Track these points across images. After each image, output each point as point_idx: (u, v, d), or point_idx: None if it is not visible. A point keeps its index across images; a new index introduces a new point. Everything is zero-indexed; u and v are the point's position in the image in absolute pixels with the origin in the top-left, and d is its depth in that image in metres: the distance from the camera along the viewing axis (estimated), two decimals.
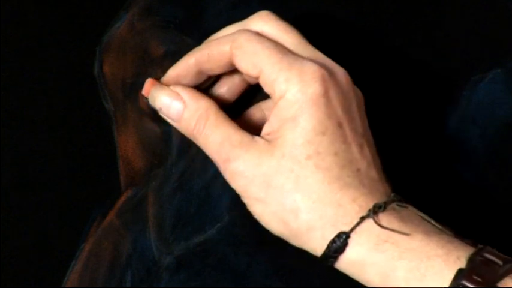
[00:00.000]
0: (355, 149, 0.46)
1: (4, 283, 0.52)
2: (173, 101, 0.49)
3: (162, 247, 0.53)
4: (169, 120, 0.50)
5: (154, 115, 0.53)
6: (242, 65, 0.47)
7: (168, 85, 0.50)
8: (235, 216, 0.53)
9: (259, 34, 0.48)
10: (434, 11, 0.57)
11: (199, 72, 0.50)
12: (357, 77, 0.53)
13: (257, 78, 0.47)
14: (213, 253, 0.53)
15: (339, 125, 0.46)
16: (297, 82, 0.45)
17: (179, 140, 0.54)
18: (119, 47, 0.54)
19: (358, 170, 0.46)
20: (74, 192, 0.53)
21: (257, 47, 0.47)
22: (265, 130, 0.47)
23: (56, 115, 0.54)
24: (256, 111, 0.51)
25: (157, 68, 0.54)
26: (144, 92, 0.51)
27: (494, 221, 0.55)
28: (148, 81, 0.51)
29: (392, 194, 0.46)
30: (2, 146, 0.53)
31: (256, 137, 0.47)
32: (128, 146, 0.54)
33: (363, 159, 0.46)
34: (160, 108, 0.50)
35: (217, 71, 0.49)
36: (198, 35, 0.54)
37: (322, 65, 0.46)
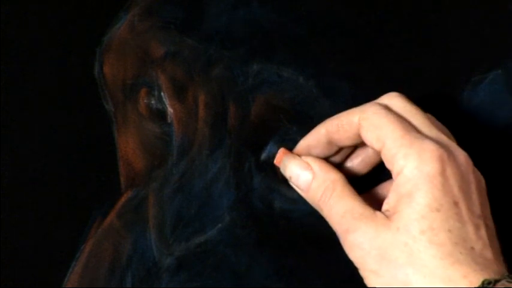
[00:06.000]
0: (470, 228, 0.46)
1: (4, 283, 0.52)
2: (303, 171, 0.51)
3: (162, 248, 0.53)
4: (297, 190, 0.51)
5: (154, 116, 0.53)
6: (367, 136, 0.49)
7: (299, 155, 0.52)
8: (235, 217, 0.53)
9: (387, 108, 0.49)
10: (434, 11, 0.57)
11: (330, 143, 0.51)
12: (357, 77, 0.53)
13: (379, 152, 0.48)
14: (214, 254, 0.53)
15: (455, 204, 0.46)
16: (414, 159, 0.46)
17: (179, 141, 0.54)
18: (119, 47, 0.54)
19: (472, 248, 0.46)
20: (74, 193, 0.53)
21: (383, 121, 0.48)
22: (384, 207, 0.48)
23: (56, 115, 0.53)
24: (379, 189, 0.53)
25: (158, 68, 0.54)
26: (276, 161, 0.53)
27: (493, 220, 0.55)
28: (281, 151, 0.53)
29: (506, 274, 0.46)
30: (2, 146, 0.53)
31: (377, 212, 0.47)
32: (128, 147, 0.54)
33: (479, 239, 0.46)
34: (290, 177, 0.51)
35: (346, 142, 0.50)
36: (198, 36, 0.54)
37: (443, 146, 0.47)
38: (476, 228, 0.46)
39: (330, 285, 0.54)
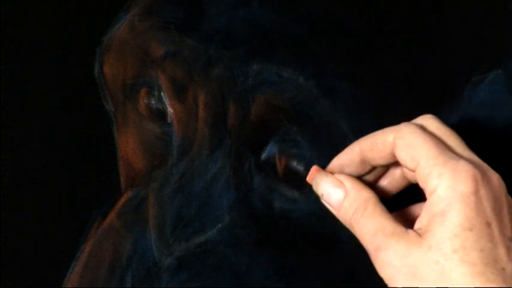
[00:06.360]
0: (501, 250, 0.46)
1: (4, 283, 0.52)
2: (335, 189, 0.51)
3: (162, 248, 0.53)
4: (329, 208, 0.51)
5: (154, 116, 0.53)
6: (402, 156, 0.49)
7: (332, 173, 0.52)
8: (235, 217, 0.53)
9: (422, 128, 0.49)
10: (434, 11, 0.57)
11: (363, 162, 0.51)
12: (357, 77, 0.53)
13: (414, 171, 0.48)
14: (214, 254, 0.53)
15: (487, 224, 0.46)
16: (448, 178, 0.46)
17: (179, 141, 0.54)
18: (119, 47, 0.54)
19: (503, 269, 0.46)
20: (74, 193, 0.53)
21: (417, 140, 0.48)
22: (416, 225, 0.48)
23: (56, 115, 0.54)
24: (411, 210, 0.53)
25: (158, 68, 0.54)
26: (308, 178, 0.52)
27: None
28: (313, 168, 0.52)
29: None
30: (2, 146, 0.53)
31: (409, 230, 0.48)
32: (128, 147, 0.54)
33: (509, 261, 0.46)
34: (322, 195, 0.51)
35: (379, 161, 0.50)
36: (198, 36, 0.54)
37: (477, 166, 0.47)
38: (508, 250, 0.46)
39: (330, 285, 0.54)
